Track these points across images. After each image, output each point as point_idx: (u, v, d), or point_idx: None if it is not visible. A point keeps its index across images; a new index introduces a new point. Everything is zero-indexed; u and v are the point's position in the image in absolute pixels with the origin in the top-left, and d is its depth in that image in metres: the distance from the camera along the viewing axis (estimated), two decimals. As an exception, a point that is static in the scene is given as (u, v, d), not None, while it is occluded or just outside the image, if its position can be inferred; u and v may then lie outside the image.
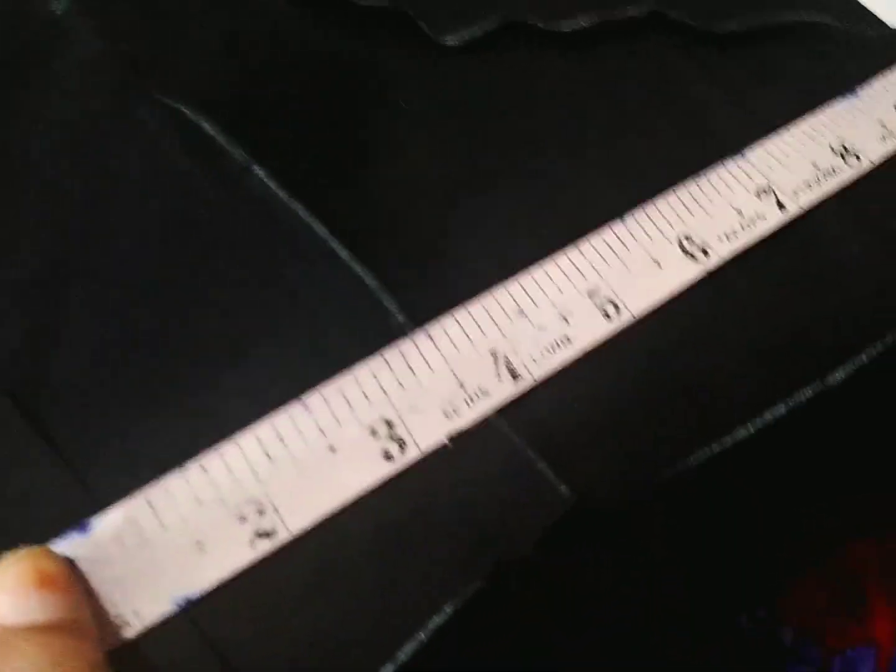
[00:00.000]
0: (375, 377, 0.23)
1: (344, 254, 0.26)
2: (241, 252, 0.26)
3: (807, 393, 0.25)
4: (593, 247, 0.27)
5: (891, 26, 0.35)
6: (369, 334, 0.25)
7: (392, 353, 0.24)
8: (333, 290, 0.25)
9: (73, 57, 0.29)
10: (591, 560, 0.27)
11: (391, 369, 0.24)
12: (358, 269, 0.26)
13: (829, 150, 0.30)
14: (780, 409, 0.25)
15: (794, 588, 0.34)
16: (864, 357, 0.26)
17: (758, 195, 0.29)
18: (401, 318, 0.25)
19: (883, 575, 0.34)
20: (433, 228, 0.27)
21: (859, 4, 0.35)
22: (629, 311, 0.26)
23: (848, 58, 0.34)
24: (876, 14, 0.35)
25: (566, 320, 0.25)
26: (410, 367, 0.24)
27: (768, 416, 0.25)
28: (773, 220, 0.28)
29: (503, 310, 0.25)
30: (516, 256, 0.27)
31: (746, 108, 0.32)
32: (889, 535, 0.34)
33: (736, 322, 0.27)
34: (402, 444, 0.23)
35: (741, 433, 0.25)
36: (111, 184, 0.27)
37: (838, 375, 0.26)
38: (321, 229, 0.26)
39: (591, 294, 0.26)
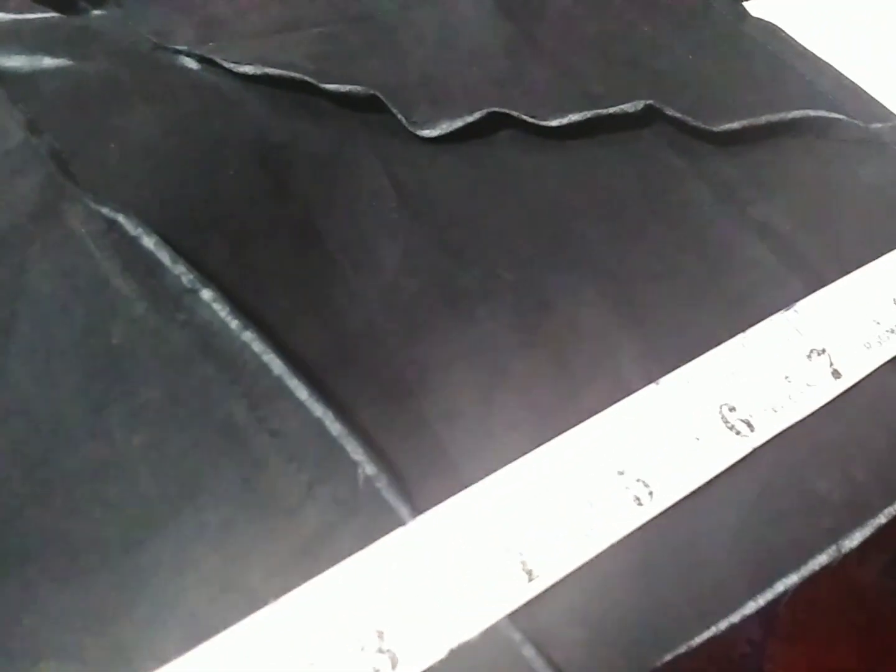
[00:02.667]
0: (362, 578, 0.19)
1: (303, 394, 0.22)
2: (179, 389, 0.22)
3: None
4: (618, 418, 0.23)
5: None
6: (331, 490, 0.21)
7: (385, 543, 0.20)
8: (289, 436, 0.22)
9: (-5, 148, 0.25)
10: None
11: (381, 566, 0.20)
12: (318, 411, 0.22)
13: (892, 303, 0.27)
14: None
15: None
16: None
17: (808, 357, 0.25)
18: (369, 469, 0.21)
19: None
20: (406, 358, 0.24)
21: (870, 98, 0.33)
22: (660, 495, 0.22)
23: (855, 156, 0.32)
24: (888, 108, 0.33)
25: (591, 504, 0.21)
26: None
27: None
28: (825, 388, 0.24)
29: (517, 497, 0.21)
30: (504, 396, 0.23)
31: (746, 213, 0.29)
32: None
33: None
34: (393, 659, 0.19)
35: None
36: (29, 302, 0.23)
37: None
38: (277, 364, 0.22)
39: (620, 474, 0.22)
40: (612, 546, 0.21)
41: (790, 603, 0.22)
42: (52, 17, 0.29)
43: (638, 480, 0.21)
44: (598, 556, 0.20)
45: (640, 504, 0.21)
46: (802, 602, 0.22)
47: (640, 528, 0.21)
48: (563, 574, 0.20)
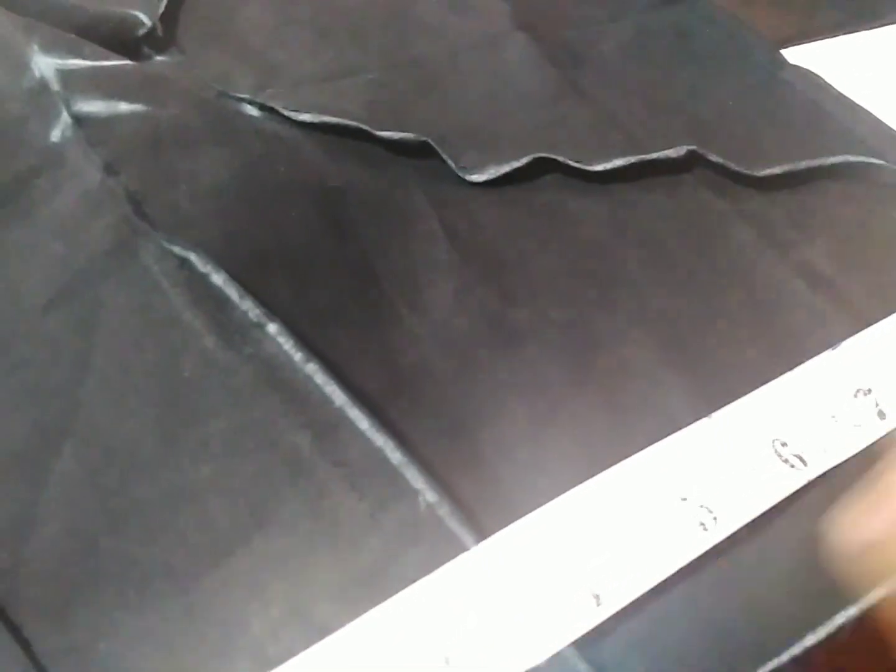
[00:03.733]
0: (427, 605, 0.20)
1: (364, 424, 0.23)
2: (243, 419, 0.23)
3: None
4: (675, 448, 0.23)
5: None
6: (394, 517, 0.22)
7: (450, 570, 0.20)
8: (351, 465, 0.22)
9: (72, 190, 0.26)
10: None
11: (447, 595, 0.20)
12: (379, 440, 0.23)
13: None
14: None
15: None
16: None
17: (854, 396, 0.25)
18: (430, 496, 0.22)
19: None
20: (459, 393, 0.25)
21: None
22: (724, 521, 0.22)
23: (891, 199, 0.32)
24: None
25: (656, 530, 0.22)
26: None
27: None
28: (871, 428, 0.24)
29: (580, 524, 0.22)
30: (555, 431, 0.24)
31: (789, 255, 0.30)
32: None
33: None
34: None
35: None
36: (106, 336, 0.24)
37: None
38: (339, 395, 0.23)
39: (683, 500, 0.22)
40: (676, 575, 0.21)
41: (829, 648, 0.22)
42: (126, 64, 0.31)
43: (701, 506, 0.22)
44: (662, 584, 0.21)
45: (705, 529, 0.22)
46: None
47: (702, 561, 0.21)
48: (630, 599, 0.21)
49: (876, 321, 0.27)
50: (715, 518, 0.22)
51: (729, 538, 0.22)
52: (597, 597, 0.20)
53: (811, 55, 0.39)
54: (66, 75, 0.29)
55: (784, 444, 0.23)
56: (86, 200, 0.26)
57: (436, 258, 0.28)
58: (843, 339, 0.26)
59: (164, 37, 0.34)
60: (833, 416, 0.24)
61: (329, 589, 0.21)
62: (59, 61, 0.29)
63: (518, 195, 0.30)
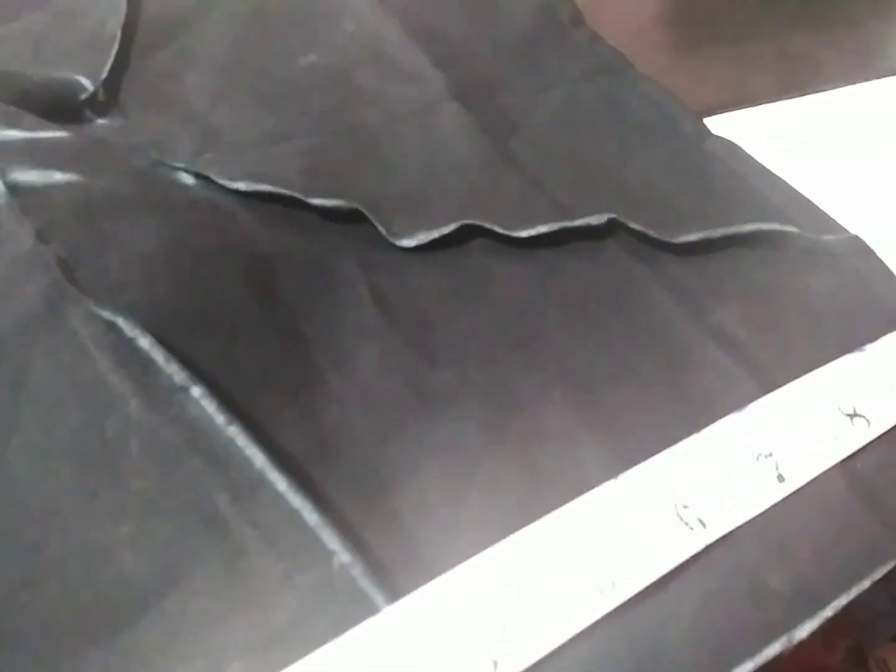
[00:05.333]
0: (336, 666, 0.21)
1: (282, 485, 0.24)
2: (164, 480, 0.24)
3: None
4: (580, 512, 0.24)
5: (849, 232, 0.35)
6: (307, 578, 0.22)
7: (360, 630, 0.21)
8: (268, 526, 0.23)
9: (4, 255, 0.27)
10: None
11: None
12: (297, 502, 0.24)
13: (837, 411, 0.28)
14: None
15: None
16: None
17: (756, 459, 0.26)
18: (344, 558, 0.23)
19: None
20: (380, 455, 0.25)
21: (821, 212, 0.35)
22: (621, 586, 0.23)
23: (804, 266, 0.34)
24: (836, 221, 0.35)
25: (558, 595, 0.22)
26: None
27: None
28: (770, 492, 0.25)
29: (487, 587, 0.22)
30: (473, 492, 0.25)
31: (704, 319, 0.31)
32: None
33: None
34: None
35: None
36: (31, 398, 0.25)
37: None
38: (259, 458, 0.24)
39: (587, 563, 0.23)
40: (574, 638, 0.22)
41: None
42: (63, 135, 0.31)
43: (602, 573, 0.23)
44: (561, 648, 0.22)
45: (601, 594, 0.22)
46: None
47: (601, 623, 0.22)
48: (528, 664, 0.21)
49: (784, 384, 0.29)
50: (613, 584, 0.23)
51: (630, 599, 0.23)
52: (495, 662, 0.21)
53: (735, 124, 0.41)
54: (2, 146, 0.30)
55: (686, 507, 0.24)
56: (17, 265, 0.27)
57: (362, 322, 0.29)
58: (752, 401, 0.28)
59: (106, 101, 0.35)
60: (735, 480, 0.25)
61: (243, 647, 0.21)
62: (-4, 132, 0.30)
63: (446, 259, 0.32)
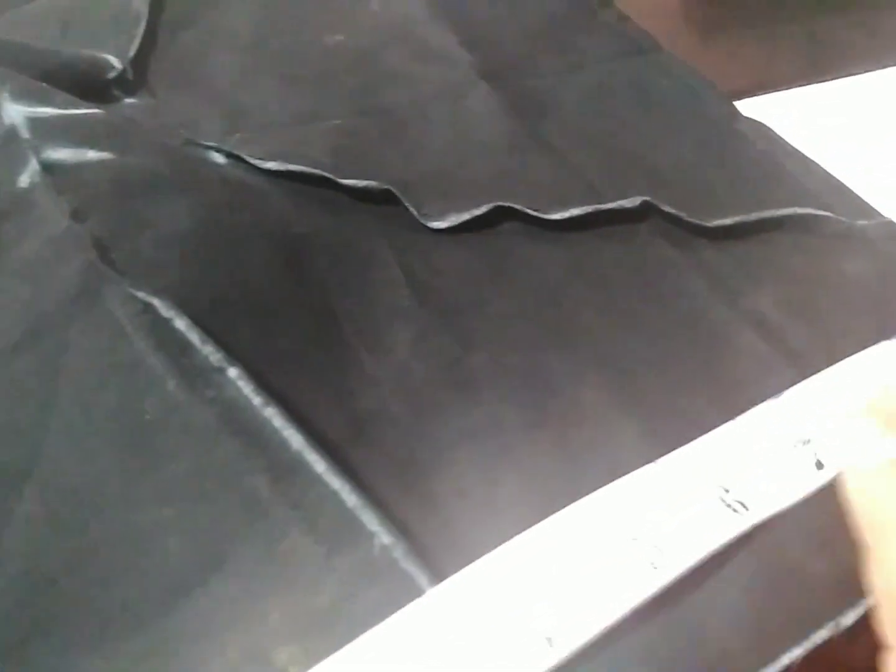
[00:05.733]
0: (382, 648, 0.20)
1: (321, 467, 0.23)
2: (204, 462, 0.24)
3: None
4: (621, 493, 0.24)
5: (884, 216, 0.34)
6: (349, 560, 0.22)
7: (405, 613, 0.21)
8: (308, 508, 0.23)
9: (39, 235, 0.27)
10: None
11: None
12: (336, 483, 0.23)
13: None
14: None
15: None
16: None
17: (794, 446, 0.25)
18: (385, 539, 0.23)
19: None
20: (416, 437, 0.25)
21: (855, 196, 0.35)
22: (673, 564, 0.22)
23: (839, 251, 0.34)
24: (872, 206, 0.35)
25: (607, 571, 0.22)
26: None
27: None
28: (809, 479, 0.25)
29: (533, 565, 0.22)
30: (509, 474, 0.25)
31: (739, 304, 0.31)
32: None
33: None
34: None
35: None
36: (69, 380, 0.25)
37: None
38: (296, 439, 0.24)
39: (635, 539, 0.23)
40: (628, 617, 0.21)
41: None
42: (96, 112, 0.31)
43: (654, 546, 0.22)
44: (614, 626, 0.21)
45: (655, 569, 0.22)
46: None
47: (649, 605, 0.22)
48: (582, 641, 0.21)
49: (820, 370, 0.28)
50: (659, 562, 0.22)
51: (678, 580, 0.23)
52: (549, 639, 0.21)
53: (764, 107, 0.41)
54: (35, 123, 0.30)
55: (727, 491, 0.24)
56: (52, 246, 0.27)
57: (396, 304, 0.29)
58: (789, 387, 0.27)
59: (134, 80, 0.35)
60: (774, 466, 0.25)
61: (285, 631, 0.21)
62: (30, 109, 0.30)
63: (478, 242, 0.31)
